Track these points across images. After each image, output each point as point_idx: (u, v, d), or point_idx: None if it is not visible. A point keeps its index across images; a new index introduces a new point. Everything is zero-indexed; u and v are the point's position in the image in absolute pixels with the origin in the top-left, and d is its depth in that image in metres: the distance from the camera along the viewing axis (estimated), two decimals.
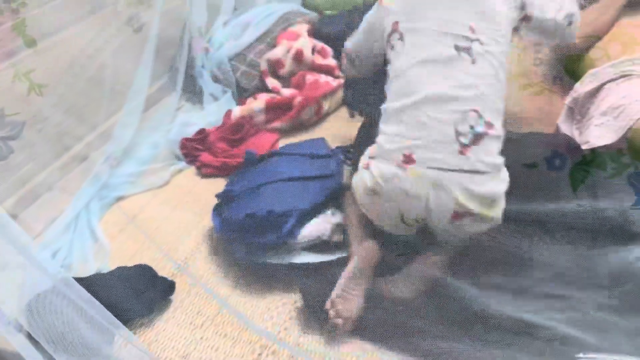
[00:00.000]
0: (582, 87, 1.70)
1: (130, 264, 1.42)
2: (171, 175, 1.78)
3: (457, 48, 1.18)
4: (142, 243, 1.54)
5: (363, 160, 1.27)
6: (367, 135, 1.84)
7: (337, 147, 1.65)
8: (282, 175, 1.48)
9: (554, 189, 1.28)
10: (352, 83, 2.20)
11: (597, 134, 1.53)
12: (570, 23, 1.40)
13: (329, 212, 1.43)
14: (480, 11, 1.20)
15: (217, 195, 1.51)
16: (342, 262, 1.30)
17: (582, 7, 2.04)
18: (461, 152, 1.13)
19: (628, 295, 1.05)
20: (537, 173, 1.32)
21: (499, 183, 1.16)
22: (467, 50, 1.18)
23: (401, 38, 1.25)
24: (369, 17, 1.43)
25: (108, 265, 1.46)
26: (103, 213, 1.66)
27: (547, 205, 1.20)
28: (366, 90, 2.18)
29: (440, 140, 1.14)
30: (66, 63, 1.69)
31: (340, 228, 1.42)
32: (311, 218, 1.40)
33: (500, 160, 1.17)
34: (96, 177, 1.71)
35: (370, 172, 1.20)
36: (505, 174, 1.18)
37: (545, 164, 1.28)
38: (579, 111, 1.69)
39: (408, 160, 1.14)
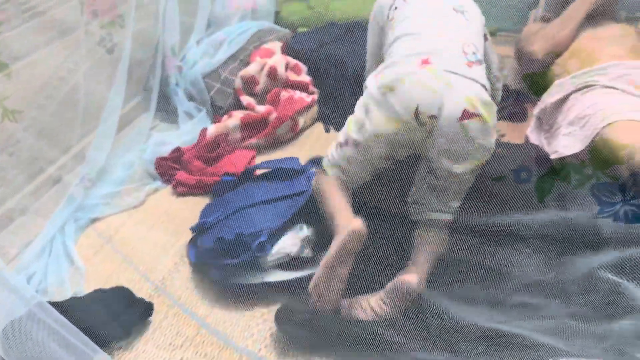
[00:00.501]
0: (549, 97, 1.75)
1: (107, 286, 1.41)
2: (146, 195, 1.77)
3: (454, 9, 1.40)
4: (119, 265, 1.53)
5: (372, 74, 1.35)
6: None
7: (311, 160, 1.65)
8: (252, 200, 1.51)
9: (522, 200, 1.31)
10: (327, 98, 2.23)
11: (565, 143, 1.58)
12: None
13: (297, 227, 1.45)
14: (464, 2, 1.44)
15: (192, 229, 1.52)
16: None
17: (547, 20, 2.11)
18: (468, 66, 1.26)
19: (595, 300, 1.08)
20: (504, 185, 1.35)
21: (494, 103, 1.28)
22: (462, 13, 1.40)
23: (405, 1, 1.45)
24: (374, 9, 1.60)
25: (84, 288, 1.44)
26: (78, 235, 1.64)
27: (515, 216, 1.23)
28: (341, 104, 2.21)
29: (451, 53, 1.27)
30: (38, 86, 1.67)
31: (310, 243, 1.44)
32: (281, 236, 1.42)
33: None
34: (70, 199, 1.69)
35: (385, 74, 1.27)
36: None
37: (512, 177, 1.31)
38: (547, 121, 1.74)
39: (425, 63, 1.23)
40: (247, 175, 1.67)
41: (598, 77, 1.64)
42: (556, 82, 1.76)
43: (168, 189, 1.81)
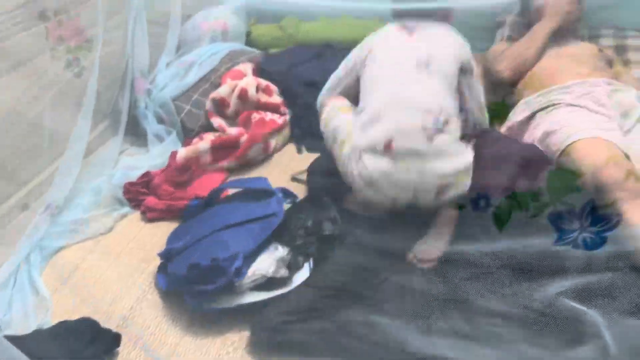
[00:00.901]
0: (515, 116, 1.78)
1: (73, 317, 1.37)
2: (115, 222, 1.74)
3: (418, 64, 1.46)
4: (86, 294, 1.48)
5: (352, 151, 1.47)
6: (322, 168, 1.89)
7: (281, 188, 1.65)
8: (224, 223, 1.49)
9: (480, 229, 1.32)
10: (299, 119, 2.23)
11: None
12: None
13: (272, 247, 1.44)
14: (433, 51, 1.49)
15: (160, 255, 1.49)
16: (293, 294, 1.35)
17: (513, 39, 2.15)
18: (429, 139, 1.38)
19: (555, 328, 1.08)
20: (464, 214, 1.36)
21: (467, 155, 1.44)
22: (426, 66, 1.46)
23: (373, 58, 1.54)
24: (354, 51, 1.67)
25: (50, 320, 1.40)
26: (44, 265, 1.59)
27: (473, 246, 1.24)
28: (313, 125, 2.21)
29: (411, 128, 1.39)
30: (2, 113, 1.64)
31: (286, 262, 1.43)
32: (256, 257, 1.41)
33: (462, 145, 1.45)
34: (36, 227, 1.65)
35: (365, 167, 1.42)
36: (470, 149, 1.46)
37: (471, 205, 1.31)
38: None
39: (388, 147, 1.38)
40: (215, 196, 1.64)
41: (562, 95, 1.67)
42: (522, 101, 1.78)
43: (137, 214, 1.78)
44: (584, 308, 1.07)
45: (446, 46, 1.53)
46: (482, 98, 1.62)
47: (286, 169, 1.98)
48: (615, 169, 1.36)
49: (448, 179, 1.39)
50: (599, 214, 1.21)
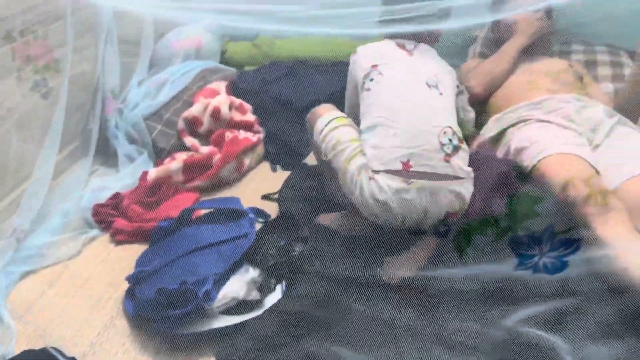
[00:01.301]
0: (487, 132, 1.78)
1: (37, 346, 1.33)
2: (83, 245, 1.70)
3: (428, 84, 1.48)
4: (51, 321, 1.44)
5: (362, 168, 1.43)
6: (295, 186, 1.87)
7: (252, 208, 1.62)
8: (194, 245, 1.47)
9: (441, 255, 1.31)
10: (274, 137, 2.21)
11: None
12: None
13: (242, 269, 1.42)
14: (437, 71, 1.54)
15: (128, 278, 1.46)
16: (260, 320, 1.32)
17: (484, 55, 2.16)
18: (446, 160, 1.38)
19: (519, 355, 1.07)
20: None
21: (470, 185, 1.43)
22: (436, 86, 1.48)
23: (380, 73, 1.51)
24: (352, 68, 1.64)
25: (14, 349, 1.36)
26: (10, 290, 1.55)
27: (434, 272, 1.23)
28: (288, 143, 2.20)
29: (429, 149, 1.38)
30: None
31: (257, 284, 1.41)
32: (226, 280, 1.38)
33: (470, 169, 1.43)
34: (2, 252, 1.60)
35: (379, 186, 1.38)
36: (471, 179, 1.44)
37: (431, 231, 1.31)
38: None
39: (406, 166, 1.37)
40: (186, 217, 1.62)
41: (532, 111, 1.68)
42: (493, 117, 1.79)
43: (106, 237, 1.74)
44: (547, 334, 1.06)
45: (443, 67, 1.59)
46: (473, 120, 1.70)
47: (260, 187, 1.96)
48: (585, 184, 1.36)
49: (458, 203, 1.39)
50: (559, 239, 1.21)
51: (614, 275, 1.16)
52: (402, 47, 1.57)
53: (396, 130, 1.40)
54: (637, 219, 1.36)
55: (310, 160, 2.09)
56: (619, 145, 1.59)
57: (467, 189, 1.41)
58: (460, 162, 1.40)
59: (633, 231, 1.28)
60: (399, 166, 1.37)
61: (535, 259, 1.21)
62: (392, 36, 1.62)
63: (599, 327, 1.12)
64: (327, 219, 1.66)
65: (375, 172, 1.39)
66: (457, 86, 1.60)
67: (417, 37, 1.60)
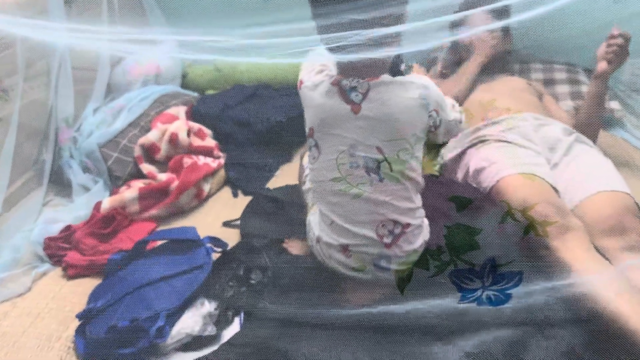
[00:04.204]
0: (448, 153, 1.77)
1: None
2: (33, 281, 1.62)
3: (367, 169, 1.23)
4: None
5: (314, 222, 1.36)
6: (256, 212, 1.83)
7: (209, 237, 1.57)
8: (147, 279, 1.41)
9: (382, 290, 1.28)
10: (234, 162, 2.17)
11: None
12: (460, 120, 1.47)
13: (198, 303, 1.36)
14: (387, 131, 1.21)
15: (78, 316, 1.40)
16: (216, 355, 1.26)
17: (445, 75, 2.17)
18: (387, 247, 1.26)
19: None
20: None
21: (425, 232, 1.32)
22: (376, 169, 1.23)
23: (317, 146, 1.30)
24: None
25: None
26: None
27: (375, 308, 1.20)
28: (249, 167, 2.16)
29: (366, 242, 1.27)
30: None
31: (213, 318, 1.36)
32: (180, 315, 1.33)
33: (419, 243, 1.29)
34: None
35: (322, 249, 1.34)
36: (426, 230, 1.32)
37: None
38: (449, 176, 1.75)
39: (345, 250, 1.29)
40: (140, 249, 1.56)
41: (491, 130, 1.68)
42: (453, 138, 1.78)
43: (58, 271, 1.67)
44: None
45: (401, 113, 1.27)
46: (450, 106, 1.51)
47: (221, 214, 1.91)
48: (543, 204, 1.36)
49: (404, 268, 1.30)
50: (500, 272, 1.19)
51: (575, 300, 1.15)
52: (346, 97, 1.21)
53: (333, 221, 1.29)
54: (596, 237, 1.36)
55: (272, 184, 2.06)
56: (577, 163, 1.60)
57: (417, 245, 1.30)
58: (405, 243, 1.27)
59: (591, 251, 1.28)
60: (338, 247, 1.30)
61: (478, 292, 1.19)
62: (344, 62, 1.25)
63: (562, 353, 1.10)
64: (292, 245, 1.62)
65: (319, 239, 1.35)
66: (431, 114, 1.26)
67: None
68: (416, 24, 1.18)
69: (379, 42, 1.05)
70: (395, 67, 1.25)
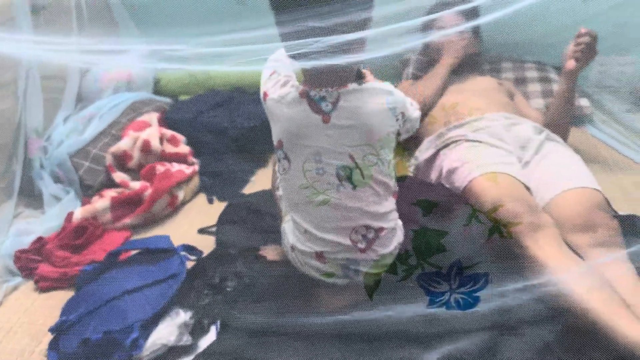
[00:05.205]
0: (421, 154, 1.78)
1: None
2: (4, 295, 1.58)
3: (339, 177, 1.22)
4: None
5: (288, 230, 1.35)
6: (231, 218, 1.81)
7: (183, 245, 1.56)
8: (120, 290, 1.38)
9: (360, 295, 1.28)
10: (209, 168, 2.16)
11: None
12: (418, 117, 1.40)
13: (173, 313, 1.35)
14: (357, 138, 1.20)
15: (51, 330, 1.37)
16: None
17: (417, 77, 2.18)
18: (362, 251, 1.26)
19: None
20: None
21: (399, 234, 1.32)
22: (348, 177, 1.22)
23: (287, 158, 1.27)
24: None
25: None
26: None
27: (351, 314, 1.20)
28: (224, 173, 2.14)
29: (340, 249, 1.26)
30: None
31: (189, 328, 1.34)
32: (155, 326, 1.31)
33: (393, 246, 1.29)
34: None
35: (297, 257, 1.34)
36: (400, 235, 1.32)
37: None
38: (422, 177, 1.76)
39: (320, 257, 1.28)
40: (112, 259, 1.54)
41: (463, 131, 1.69)
42: (426, 139, 1.79)
43: (30, 284, 1.63)
44: None
45: (371, 119, 1.24)
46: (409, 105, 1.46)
47: (196, 221, 1.89)
48: (515, 203, 1.37)
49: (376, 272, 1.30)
50: (467, 275, 1.20)
51: (548, 298, 1.16)
52: (316, 107, 1.18)
53: (306, 229, 1.28)
54: (568, 234, 1.38)
55: (248, 190, 2.05)
56: (548, 161, 1.61)
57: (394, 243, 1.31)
58: (379, 247, 1.27)
59: (562, 248, 1.29)
60: (312, 255, 1.29)
61: (446, 296, 1.19)
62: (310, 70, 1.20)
63: (536, 352, 1.11)
64: (268, 251, 1.61)
65: (293, 248, 1.34)
66: (398, 118, 1.24)
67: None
68: (382, 29, 1.19)
69: (343, 49, 1.04)
70: (359, 74, 1.24)
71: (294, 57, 1.12)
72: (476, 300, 1.15)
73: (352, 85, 1.18)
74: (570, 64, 1.76)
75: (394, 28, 1.21)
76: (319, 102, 1.18)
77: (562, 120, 1.87)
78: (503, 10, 1.18)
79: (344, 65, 1.11)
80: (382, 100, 1.19)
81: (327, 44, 1.02)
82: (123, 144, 1.99)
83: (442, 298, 1.18)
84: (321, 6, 1.01)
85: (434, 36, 1.81)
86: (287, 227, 1.37)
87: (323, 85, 1.18)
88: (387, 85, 1.22)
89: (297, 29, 1.04)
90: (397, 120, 1.22)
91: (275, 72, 1.28)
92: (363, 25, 1.10)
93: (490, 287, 1.16)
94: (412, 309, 1.16)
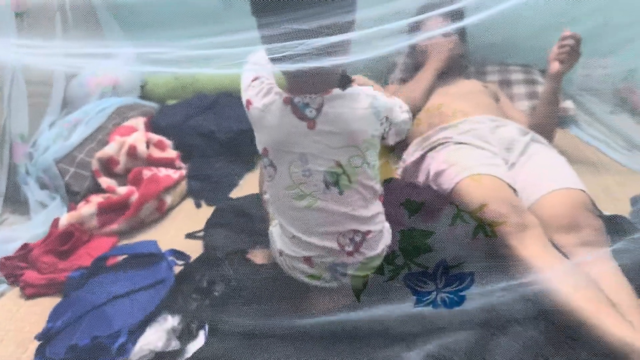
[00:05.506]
0: (408, 157, 1.79)
1: None
2: None
3: (326, 183, 1.22)
4: None
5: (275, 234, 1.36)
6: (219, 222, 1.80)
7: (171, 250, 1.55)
8: (107, 296, 1.38)
9: (348, 297, 1.29)
10: (197, 172, 2.15)
11: None
12: (408, 120, 1.39)
13: (161, 318, 1.34)
14: (342, 143, 1.20)
15: (37, 337, 1.35)
16: None
17: (404, 81, 2.19)
18: (350, 255, 1.26)
19: None
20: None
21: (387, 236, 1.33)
22: (335, 182, 1.22)
23: (273, 165, 1.27)
24: None
25: None
26: None
27: (338, 316, 1.21)
28: (212, 177, 2.14)
29: (327, 253, 1.26)
30: None
31: (177, 333, 1.34)
32: (143, 331, 1.30)
33: (381, 248, 1.29)
34: None
35: (284, 261, 1.34)
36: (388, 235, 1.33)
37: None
38: (410, 179, 1.77)
39: (308, 261, 1.29)
40: (99, 265, 1.53)
41: (449, 133, 1.70)
42: (414, 142, 1.80)
43: (16, 291, 1.62)
44: None
45: (356, 124, 1.25)
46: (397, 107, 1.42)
47: (184, 226, 1.88)
48: (501, 204, 1.38)
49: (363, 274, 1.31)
50: (453, 274, 1.21)
51: (534, 297, 1.17)
52: (300, 114, 1.18)
53: (293, 234, 1.28)
54: (553, 234, 1.39)
55: (236, 193, 2.05)
56: (533, 162, 1.63)
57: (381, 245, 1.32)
58: (367, 250, 1.27)
59: (548, 248, 1.31)
60: (300, 259, 1.30)
61: (433, 295, 1.20)
62: (293, 76, 1.20)
63: (522, 350, 1.11)
64: (256, 254, 1.61)
65: (281, 252, 1.34)
66: (382, 122, 1.24)
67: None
68: (366, 32, 1.19)
69: (327, 51, 1.04)
70: (343, 80, 1.24)
71: (275, 60, 1.12)
72: (462, 299, 1.16)
73: (336, 91, 1.18)
74: (555, 66, 1.78)
75: (378, 30, 1.22)
76: (303, 109, 1.18)
77: (548, 122, 1.89)
78: (487, 12, 1.18)
79: (327, 71, 1.12)
80: (365, 104, 1.20)
81: (311, 47, 1.02)
82: (109, 149, 1.98)
83: (428, 297, 1.19)
84: (302, 9, 1.02)
85: (418, 38, 1.82)
86: (275, 231, 1.38)
87: (306, 91, 1.18)
88: (371, 90, 1.23)
89: (279, 32, 1.04)
90: (381, 124, 1.23)
91: (258, 79, 1.27)
92: (347, 28, 1.10)
93: (475, 286, 1.17)
94: (400, 309, 1.17)
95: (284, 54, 1.04)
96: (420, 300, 1.18)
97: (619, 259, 1.28)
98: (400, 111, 1.33)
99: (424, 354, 1.05)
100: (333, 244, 1.25)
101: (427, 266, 1.23)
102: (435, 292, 1.20)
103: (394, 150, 1.88)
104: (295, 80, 1.20)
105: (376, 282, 1.27)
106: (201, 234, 1.79)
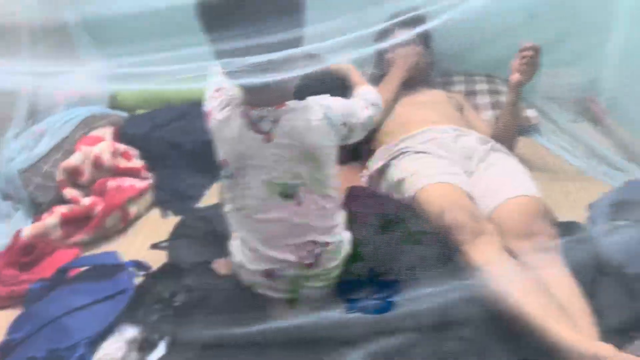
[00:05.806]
0: (373, 165, 1.82)
1: None
2: None
3: (282, 195, 1.24)
4: None
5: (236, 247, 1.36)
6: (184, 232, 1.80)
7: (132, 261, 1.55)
8: (67, 307, 1.37)
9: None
10: (164, 182, 2.14)
11: None
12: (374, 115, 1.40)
13: (120, 329, 1.34)
14: (300, 154, 1.22)
15: None
16: None
17: (375, 77, 2.21)
18: (309, 266, 1.28)
19: None
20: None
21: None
22: (292, 195, 1.24)
23: (232, 176, 1.28)
24: None
25: None
26: None
27: (283, 324, 1.23)
28: (179, 187, 2.14)
29: (287, 266, 1.28)
30: None
31: (137, 343, 1.33)
32: (102, 342, 1.30)
33: (340, 259, 1.32)
34: None
35: (243, 274, 1.35)
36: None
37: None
38: (374, 187, 1.79)
39: (268, 275, 1.30)
40: (60, 276, 1.52)
41: (411, 142, 1.73)
42: (378, 150, 1.83)
43: None
44: None
45: (311, 135, 1.27)
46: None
47: (150, 236, 1.87)
48: (458, 211, 1.41)
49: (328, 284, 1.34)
50: (381, 281, 1.24)
51: (482, 300, 1.20)
52: (257, 128, 1.20)
53: (253, 247, 1.30)
54: (509, 241, 1.42)
55: (203, 203, 2.05)
56: (492, 171, 1.66)
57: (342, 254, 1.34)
58: (327, 261, 1.30)
59: (501, 253, 1.33)
60: (261, 272, 1.31)
61: (363, 302, 1.23)
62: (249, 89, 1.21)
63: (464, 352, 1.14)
64: (220, 265, 1.61)
65: (241, 265, 1.35)
66: (339, 130, 1.27)
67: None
68: (330, 42, 1.21)
69: (272, 68, 1.06)
70: (299, 91, 1.26)
71: (229, 74, 1.14)
72: (389, 305, 1.19)
73: (291, 103, 1.20)
74: (515, 77, 1.82)
75: (342, 40, 1.24)
76: (259, 122, 1.20)
77: (509, 131, 1.93)
78: (447, 14, 1.20)
79: (282, 83, 1.14)
80: (319, 116, 1.22)
81: (266, 60, 1.04)
82: (74, 159, 1.96)
83: (357, 305, 1.22)
84: (249, 25, 1.03)
85: (381, 45, 1.84)
86: (235, 244, 1.38)
87: (263, 104, 1.20)
88: (325, 100, 1.25)
89: (229, 47, 1.06)
90: (336, 133, 1.25)
91: (221, 90, 1.29)
92: (297, 42, 1.12)
93: (406, 292, 1.20)
94: (336, 315, 1.19)
95: (233, 69, 1.06)
96: (353, 308, 1.21)
97: (568, 262, 1.32)
98: (361, 112, 1.34)
99: (365, 352, 1.08)
100: (293, 257, 1.27)
101: (359, 274, 1.26)
102: (365, 300, 1.23)
103: (359, 158, 1.90)
104: (250, 93, 1.22)
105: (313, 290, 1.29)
106: (166, 244, 1.79)
